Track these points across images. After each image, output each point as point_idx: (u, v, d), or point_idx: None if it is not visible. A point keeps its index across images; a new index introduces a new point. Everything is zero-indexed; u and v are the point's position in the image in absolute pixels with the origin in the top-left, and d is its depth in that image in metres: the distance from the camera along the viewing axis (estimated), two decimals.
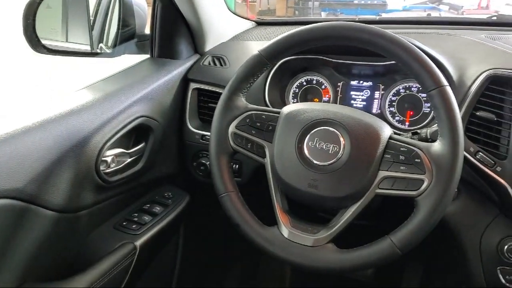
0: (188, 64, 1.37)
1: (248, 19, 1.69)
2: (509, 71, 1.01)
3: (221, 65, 1.36)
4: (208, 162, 1.28)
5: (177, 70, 1.32)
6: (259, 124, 0.98)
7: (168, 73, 1.29)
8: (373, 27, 0.90)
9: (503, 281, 1.04)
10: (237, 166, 1.27)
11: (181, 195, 1.33)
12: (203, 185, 1.30)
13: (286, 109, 0.97)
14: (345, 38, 0.92)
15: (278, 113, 0.98)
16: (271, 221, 0.94)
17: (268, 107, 1.23)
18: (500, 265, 1.05)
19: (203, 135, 1.31)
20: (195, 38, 1.42)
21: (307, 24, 0.95)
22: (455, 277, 1.29)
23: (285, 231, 0.92)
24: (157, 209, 1.25)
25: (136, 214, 1.22)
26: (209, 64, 1.37)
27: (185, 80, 1.34)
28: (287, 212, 0.96)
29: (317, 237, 0.90)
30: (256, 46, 1.02)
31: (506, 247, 1.03)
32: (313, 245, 0.89)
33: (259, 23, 1.69)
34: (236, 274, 1.85)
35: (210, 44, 1.45)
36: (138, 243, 1.13)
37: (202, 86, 1.33)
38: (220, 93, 1.01)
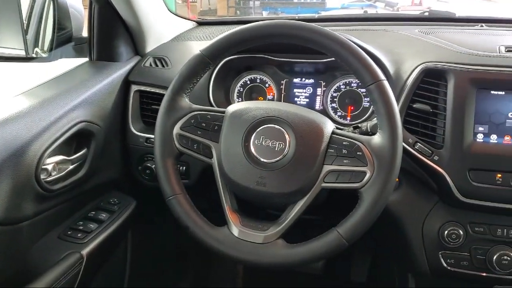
0: (128, 66, 1.34)
1: (189, 20, 1.68)
2: (442, 64, 1.05)
3: (163, 66, 1.34)
4: (153, 166, 1.26)
5: (118, 72, 1.29)
6: (204, 125, 0.97)
7: (108, 76, 1.26)
8: (312, 25, 0.91)
9: (444, 265, 1.09)
10: (184, 167, 1.25)
11: (128, 200, 1.31)
12: (150, 189, 1.28)
13: (231, 108, 0.97)
14: (286, 36, 0.93)
15: (223, 112, 0.98)
16: (222, 221, 0.94)
17: (213, 107, 1.23)
18: (442, 250, 1.10)
19: (148, 138, 1.28)
20: (135, 40, 1.40)
21: (248, 23, 0.96)
22: (400, 264, 1.34)
23: (235, 230, 0.92)
24: (103, 216, 1.22)
25: (81, 222, 1.18)
26: (150, 65, 1.35)
27: (126, 83, 1.31)
28: (236, 211, 0.96)
29: (267, 234, 0.91)
30: (198, 46, 1.01)
31: (446, 232, 1.07)
32: (264, 242, 0.90)
33: (200, 23, 1.68)
34: (189, 275, 1.84)
35: (150, 45, 1.42)
36: (85, 252, 1.09)
37: (144, 88, 1.31)
38: (163, 95, 1.00)
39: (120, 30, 1.36)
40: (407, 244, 1.13)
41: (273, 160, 0.91)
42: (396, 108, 0.87)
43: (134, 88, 1.31)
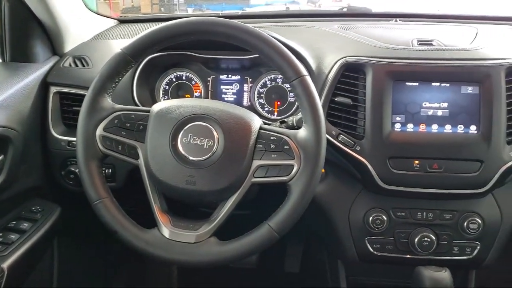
0: (46, 67, 1.28)
1: (110, 17, 1.63)
2: (360, 58, 1.10)
3: (83, 65, 1.29)
4: (77, 170, 1.21)
5: (35, 74, 1.23)
6: (128, 125, 0.95)
7: (24, 78, 1.19)
8: (235, 21, 0.92)
9: (371, 249, 1.15)
10: (109, 170, 1.22)
11: (52, 207, 1.25)
12: (75, 194, 1.23)
13: (156, 107, 0.96)
14: (209, 33, 0.93)
15: (148, 111, 0.96)
16: (152, 223, 0.93)
17: (138, 106, 1.20)
18: (368, 236, 1.15)
19: (70, 141, 1.23)
20: (52, 39, 1.33)
21: (172, 20, 0.94)
22: (330, 252, 1.39)
23: (166, 232, 0.91)
24: (25, 225, 1.16)
25: (0, 234, 1.11)
26: (70, 65, 1.29)
27: (45, 84, 1.25)
28: (166, 212, 0.94)
29: (199, 233, 0.90)
30: (119, 44, 0.98)
31: (371, 218, 1.13)
32: (196, 241, 0.90)
33: (122, 21, 1.64)
34: (123, 278, 1.79)
35: (69, 44, 1.36)
36: (6, 264, 1.03)
37: (64, 89, 1.25)
38: (84, 95, 0.96)
39: (35, 29, 1.29)
40: (336, 232, 1.17)
41: (202, 158, 0.91)
42: (319, 102, 0.90)
43: (53, 89, 1.25)
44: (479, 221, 1.10)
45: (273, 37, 0.93)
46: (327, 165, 1.12)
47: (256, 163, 0.91)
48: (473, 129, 1.05)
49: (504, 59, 1.07)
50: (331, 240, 1.23)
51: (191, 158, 0.91)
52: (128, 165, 0.98)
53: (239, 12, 1.79)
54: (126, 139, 0.94)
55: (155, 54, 1.23)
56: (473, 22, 1.46)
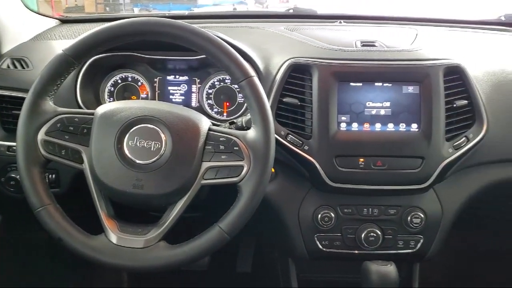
0: None
1: (52, 17, 1.57)
2: (306, 59, 1.11)
3: (22, 67, 1.24)
4: (18, 176, 1.16)
5: None
6: (72, 128, 0.92)
7: None
8: (181, 22, 0.91)
9: (320, 246, 1.17)
10: (53, 175, 1.17)
11: None
12: (17, 201, 1.17)
13: (100, 109, 0.93)
14: (154, 34, 0.92)
15: (93, 114, 0.93)
16: (99, 229, 0.90)
17: (82, 109, 1.17)
18: (317, 233, 1.17)
19: (10, 147, 1.18)
20: None
21: (116, 21, 0.92)
22: (281, 250, 1.40)
23: (113, 237, 0.89)
24: None
25: None
26: (8, 67, 1.24)
27: None
28: (113, 217, 0.92)
29: (147, 237, 0.89)
30: (60, 45, 0.95)
31: (319, 216, 1.15)
32: (144, 246, 0.88)
33: (64, 21, 1.58)
34: (70, 284, 1.73)
35: (7, 45, 1.30)
36: None
37: (2, 92, 1.19)
38: (24, 98, 0.92)
39: None
40: (286, 230, 1.19)
41: (150, 161, 0.89)
42: (267, 103, 0.91)
43: None
44: (422, 216, 1.15)
45: (220, 37, 0.93)
46: (276, 164, 1.14)
47: (205, 164, 0.90)
48: (414, 127, 1.10)
49: (442, 59, 1.11)
50: (282, 239, 1.25)
51: (138, 161, 0.89)
52: (73, 170, 0.95)
53: (186, 12, 1.78)
54: (70, 143, 0.91)
55: (100, 55, 1.20)
56: (413, 24, 1.52)
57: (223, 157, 0.90)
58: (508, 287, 1.68)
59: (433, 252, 1.18)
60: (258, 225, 1.54)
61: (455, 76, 1.11)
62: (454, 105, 1.10)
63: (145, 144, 0.90)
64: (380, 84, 1.10)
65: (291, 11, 1.66)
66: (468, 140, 1.10)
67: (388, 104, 1.10)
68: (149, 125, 0.91)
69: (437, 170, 1.09)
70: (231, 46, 0.93)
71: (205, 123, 0.93)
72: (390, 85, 1.10)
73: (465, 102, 1.11)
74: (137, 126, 0.91)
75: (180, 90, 1.27)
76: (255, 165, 0.89)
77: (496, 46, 1.41)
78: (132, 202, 0.92)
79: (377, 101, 1.10)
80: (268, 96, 1.10)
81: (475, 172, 1.17)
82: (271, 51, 1.20)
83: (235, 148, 0.90)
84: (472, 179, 1.18)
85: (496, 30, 1.55)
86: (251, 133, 0.91)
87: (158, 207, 0.96)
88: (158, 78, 1.27)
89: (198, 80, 1.27)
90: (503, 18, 1.59)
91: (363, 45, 1.18)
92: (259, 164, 0.89)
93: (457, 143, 1.09)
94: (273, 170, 1.16)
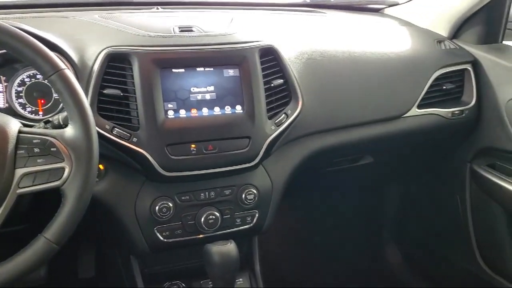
0: None
1: None
2: (124, 47, 1.07)
3: None
4: None
5: None
6: None
7: None
8: None
9: (161, 238, 1.15)
10: None
11: None
12: None
13: None
14: None
15: None
16: None
17: None
18: (157, 225, 1.15)
19: None
20: None
21: None
22: (122, 249, 1.35)
23: None
24: None
25: None
26: None
27: None
28: None
29: None
30: None
31: (157, 207, 1.13)
32: None
33: None
34: None
35: None
36: None
37: None
38: None
39: None
40: (124, 227, 1.14)
41: None
42: (83, 96, 0.85)
43: None
44: (255, 192, 1.21)
45: (22, 29, 0.84)
46: (105, 161, 1.09)
47: (19, 171, 0.82)
48: (238, 109, 1.13)
49: (257, 41, 1.17)
50: (121, 237, 1.20)
51: None
52: None
53: None
54: None
55: None
56: (229, 8, 1.57)
57: (39, 160, 0.82)
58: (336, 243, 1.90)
59: (268, 224, 1.25)
60: (96, 227, 1.47)
61: (270, 57, 1.17)
62: (272, 85, 1.16)
63: None
64: (202, 69, 1.11)
65: None
66: (288, 117, 1.18)
67: (212, 88, 1.12)
68: None
69: (263, 148, 1.15)
70: (37, 38, 0.85)
71: (13, 126, 0.84)
72: (212, 69, 1.12)
73: (281, 81, 1.18)
74: None
75: None
76: (77, 165, 0.83)
77: (305, 27, 1.54)
78: None
79: (201, 86, 1.11)
80: (87, 89, 1.04)
81: (297, 145, 1.27)
82: (86, 41, 1.13)
83: (52, 149, 0.83)
84: (295, 151, 1.28)
85: (303, 11, 1.68)
86: (69, 131, 0.84)
87: None
88: None
89: (4, 78, 1.13)
90: (308, 0, 1.73)
91: (181, 31, 1.18)
92: (82, 164, 0.83)
93: (278, 120, 1.17)
94: (101, 167, 1.11)
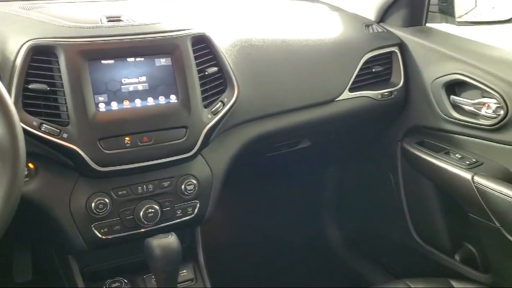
0: None
1: None
2: (48, 40, 1.02)
3: None
4: None
5: None
6: None
7: None
8: None
9: (99, 235, 1.12)
10: None
11: None
12: None
13: None
14: None
15: None
16: None
17: None
18: (94, 222, 1.11)
19: None
20: None
21: None
22: (58, 249, 1.30)
23: None
24: None
25: None
26: None
27: None
28: None
29: None
30: None
31: (93, 204, 1.09)
32: None
33: None
34: None
35: None
36: None
37: None
38: None
39: None
40: (59, 227, 1.10)
41: None
42: (4, 92, 0.81)
43: None
44: (194, 182, 1.20)
45: None
46: (34, 160, 1.04)
47: None
48: (173, 98, 1.12)
49: (189, 29, 1.15)
50: (57, 237, 1.15)
51: None
52: None
53: None
54: None
55: None
56: None
57: None
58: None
59: (209, 214, 1.25)
60: (30, 229, 1.40)
61: (203, 45, 1.16)
62: (206, 73, 1.15)
63: None
64: (133, 59, 1.08)
65: None
66: (224, 105, 1.18)
67: (144, 78, 1.09)
68: None
69: (201, 137, 1.14)
70: None
71: None
72: (143, 59, 1.09)
73: (215, 69, 1.17)
74: None
75: None
76: (2, 165, 0.78)
77: (238, 13, 1.53)
78: None
79: (133, 77, 1.08)
80: (10, 85, 0.98)
81: (235, 132, 1.27)
82: (7, 34, 1.07)
83: None
84: (233, 139, 1.28)
85: None
86: None
87: None
88: None
89: None
90: None
91: (109, 21, 1.14)
92: (7, 164, 0.78)
93: (214, 108, 1.16)
94: (32, 166, 1.06)
